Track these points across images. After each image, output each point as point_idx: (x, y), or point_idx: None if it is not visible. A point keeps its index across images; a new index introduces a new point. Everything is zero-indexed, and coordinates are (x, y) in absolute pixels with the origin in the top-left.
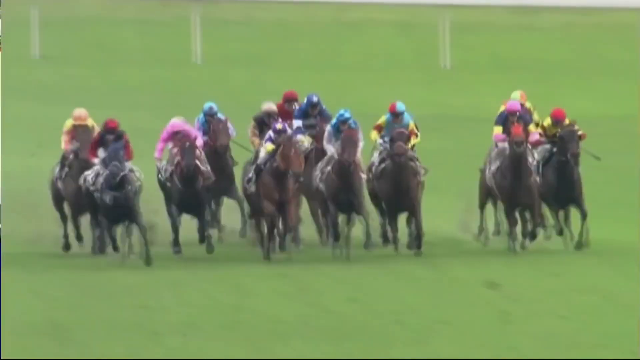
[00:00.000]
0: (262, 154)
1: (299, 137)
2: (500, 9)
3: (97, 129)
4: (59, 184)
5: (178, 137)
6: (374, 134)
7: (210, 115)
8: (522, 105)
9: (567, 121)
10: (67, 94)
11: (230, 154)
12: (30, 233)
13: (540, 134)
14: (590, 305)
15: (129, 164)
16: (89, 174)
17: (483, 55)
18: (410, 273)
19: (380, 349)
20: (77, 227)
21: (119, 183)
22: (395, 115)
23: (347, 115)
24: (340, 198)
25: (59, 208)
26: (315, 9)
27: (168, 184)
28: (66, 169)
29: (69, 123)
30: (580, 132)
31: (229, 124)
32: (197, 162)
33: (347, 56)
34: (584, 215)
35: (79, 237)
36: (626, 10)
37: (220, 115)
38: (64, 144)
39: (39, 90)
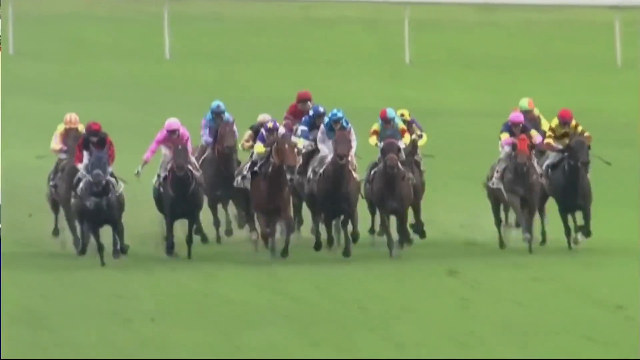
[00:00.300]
0: (255, 153)
1: (294, 138)
2: (462, 6)
3: None
4: (52, 190)
5: (173, 137)
6: (373, 139)
7: (217, 114)
8: (529, 112)
9: (573, 123)
10: (44, 89)
11: (236, 156)
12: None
13: (549, 136)
14: (547, 293)
15: (110, 170)
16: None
17: (445, 51)
18: (373, 262)
19: (345, 334)
20: (73, 231)
21: (102, 190)
22: (386, 121)
23: (339, 114)
24: (331, 203)
25: (55, 211)
26: (284, 6)
27: (161, 189)
28: (59, 173)
29: (60, 127)
30: (586, 134)
31: (235, 128)
32: (189, 166)
33: (315, 52)
34: (587, 231)
35: (77, 242)
36: (582, 8)
37: (227, 116)
38: (54, 144)
39: (15, 86)
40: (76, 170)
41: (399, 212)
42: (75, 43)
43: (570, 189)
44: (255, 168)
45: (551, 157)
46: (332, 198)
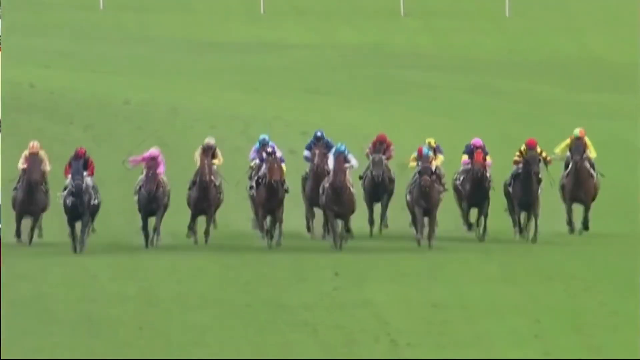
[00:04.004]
0: (262, 168)
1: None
2: None
3: (45, 158)
4: (13, 194)
5: (151, 163)
6: (412, 163)
7: (263, 145)
8: (580, 139)
9: (538, 149)
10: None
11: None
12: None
13: (518, 156)
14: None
15: (90, 180)
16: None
17: (288, 4)
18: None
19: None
20: (18, 226)
21: (78, 192)
22: (421, 156)
23: (342, 148)
24: (334, 209)
25: (15, 212)
26: None
27: (136, 196)
28: (19, 183)
29: (25, 151)
30: (544, 155)
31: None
32: (158, 186)
33: (199, 3)
34: (535, 217)
35: (19, 234)
36: None
37: (276, 153)
38: (20, 163)
39: None
40: (35, 182)
41: (431, 213)
42: None
43: (525, 193)
44: (259, 180)
45: (513, 171)
46: (334, 205)
